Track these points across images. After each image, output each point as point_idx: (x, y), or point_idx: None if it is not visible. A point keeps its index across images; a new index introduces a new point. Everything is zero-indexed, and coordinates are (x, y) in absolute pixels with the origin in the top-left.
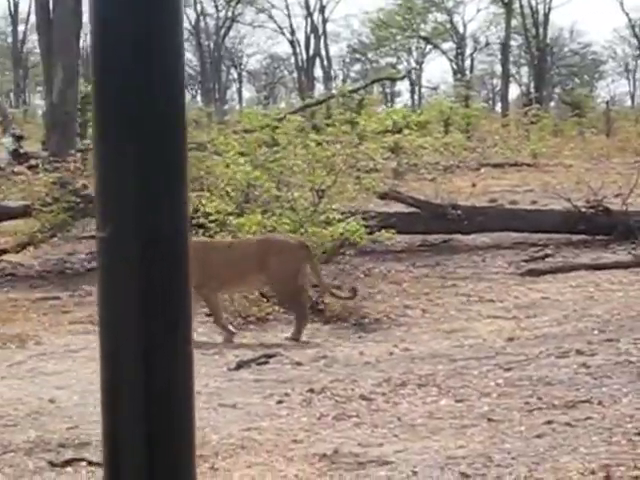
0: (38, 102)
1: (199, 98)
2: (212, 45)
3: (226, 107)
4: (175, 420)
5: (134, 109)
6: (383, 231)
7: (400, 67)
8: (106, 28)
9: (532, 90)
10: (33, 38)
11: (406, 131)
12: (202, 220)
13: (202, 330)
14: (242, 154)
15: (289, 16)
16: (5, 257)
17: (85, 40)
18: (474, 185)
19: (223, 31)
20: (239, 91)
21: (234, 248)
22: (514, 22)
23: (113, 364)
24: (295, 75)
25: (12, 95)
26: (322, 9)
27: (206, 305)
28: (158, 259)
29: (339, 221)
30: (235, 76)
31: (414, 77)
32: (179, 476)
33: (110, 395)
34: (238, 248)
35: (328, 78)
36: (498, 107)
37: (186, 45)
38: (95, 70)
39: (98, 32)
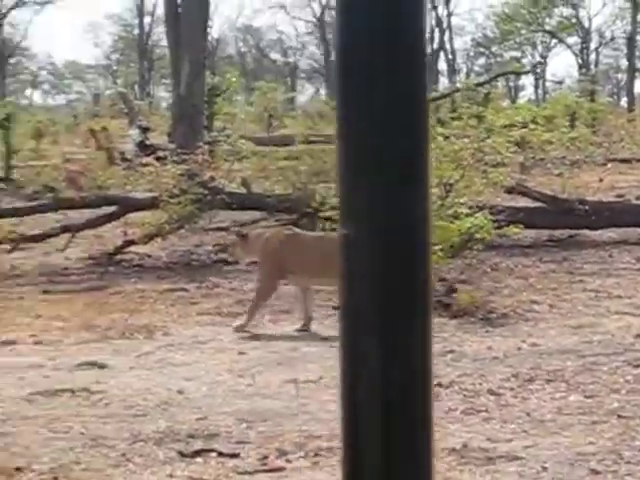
0: (162, 94)
1: (323, 91)
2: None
3: None
4: (413, 408)
5: (378, 103)
6: (511, 226)
7: (524, 61)
8: (349, 20)
9: None
10: (158, 30)
11: (532, 126)
12: (330, 213)
13: (328, 322)
14: None
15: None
16: (133, 248)
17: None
18: (601, 180)
19: None
20: None
21: (321, 242)
22: None
23: (352, 354)
24: None
25: (137, 87)
26: (447, 2)
27: (258, 293)
28: (399, 253)
29: (467, 215)
30: None
31: (539, 71)
32: (417, 461)
33: (349, 383)
34: (326, 242)
35: (452, 72)
36: (623, 102)
37: (310, 38)
38: (339, 66)
39: (343, 27)
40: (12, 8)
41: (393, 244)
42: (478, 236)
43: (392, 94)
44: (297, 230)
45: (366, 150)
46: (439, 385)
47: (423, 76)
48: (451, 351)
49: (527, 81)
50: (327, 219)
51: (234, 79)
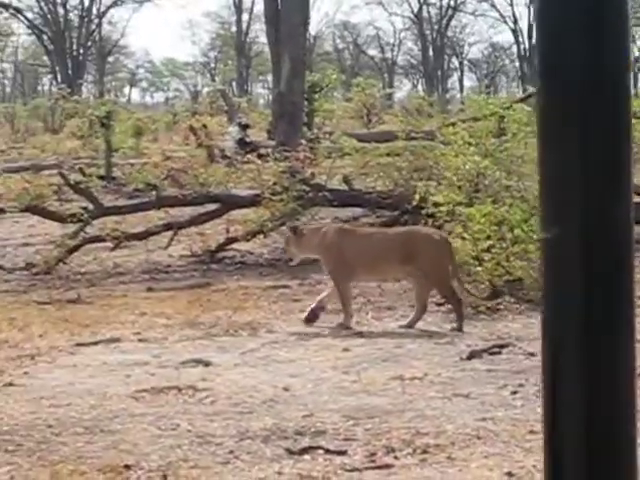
0: (260, 91)
1: (420, 87)
2: (434, 34)
3: (448, 96)
4: (616, 405)
5: (581, 105)
6: None
7: None
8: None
9: None
10: (256, 28)
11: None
12: (431, 210)
13: (431, 319)
14: (469, 143)
15: (512, 4)
16: (235, 245)
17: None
18: None
19: (445, 20)
20: (460, 80)
21: (376, 238)
22: None
23: (555, 351)
24: (517, 64)
25: (235, 84)
26: None
27: (337, 290)
28: (603, 256)
29: None
30: (456, 65)
31: None
32: (620, 458)
33: (551, 380)
34: (381, 238)
35: None
36: None
37: (407, 34)
38: (541, 67)
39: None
40: (111, 6)
41: (598, 245)
42: None
43: (594, 98)
44: (348, 226)
45: (572, 156)
46: None
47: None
48: None
49: None
50: (429, 216)
51: (334, 76)
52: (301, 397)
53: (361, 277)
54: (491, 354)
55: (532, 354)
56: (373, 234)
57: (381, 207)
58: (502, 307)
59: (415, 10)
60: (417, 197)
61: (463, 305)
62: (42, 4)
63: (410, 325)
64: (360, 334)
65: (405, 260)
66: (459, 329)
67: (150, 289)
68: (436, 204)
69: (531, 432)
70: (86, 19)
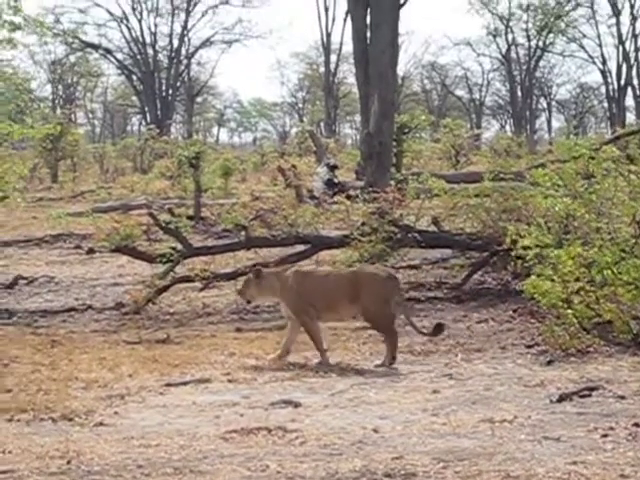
0: (348, 131)
1: (508, 128)
2: (522, 75)
3: (535, 137)
4: None
5: None
6: None
7: None
8: None
9: None
10: (344, 68)
11: None
12: (521, 252)
13: (521, 361)
14: (558, 185)
15: (600, 45)
16: None
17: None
18: None
19: (534, 60)
20: (548, 120)
21: (330, 278)
22: None
23: None
24: (605, 105)
25: (322, 125)
26: (635, 37)
27: (305, 330)
28: None
29: None
30: (544, 105)
31: None
32: None
33: None
34: (333, 279)
35: None
36: None
37: (495, 75)
38: None
39: None
40: (199, 47)
41: None
42: None
43: None
44: (307, 268)
45: None
46: (636, 425)
47: None
48: None
49: None
50: (519, 258)
51: (423, 117)
52: (390, 439)
53: (322, 316)
54: (581, 397)
55: (622, 397)
56: (327, 275)
57: (470, 248)
58: (592, 349)
59: (503, 51)
60: (508, 240)
61: (396, 344)
62: (131, 45)
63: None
64: (450, 376)
65: (354, 299)
66: (388, 365)
67: (239, 330)
68: (525, 246)
69: (622, 476)
70: (175, 60)
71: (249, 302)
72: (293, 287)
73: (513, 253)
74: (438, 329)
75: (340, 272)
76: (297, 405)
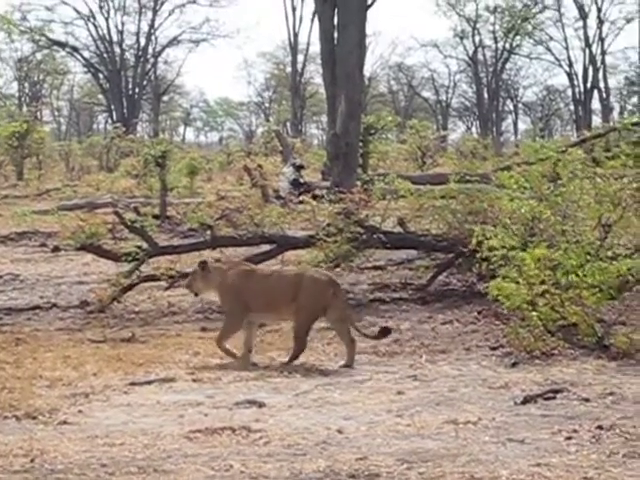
0: (314, 131)
1: (474, 129)
2: (489, 77)
3: (502, 139)
4: None
5: None
6: None
7: None
8: None
9: None
10: (311, 68)
11: None
12: (486, 253)
13: (485, 363)
14: (524, 187)
15: (567, 48)
16: None
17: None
18: None
19: (500, 62)
20: (514, 123)
21: (272, 278)
22: None
23: None
24: (572, 107)
25: (289, 125)
26: (601, 40)
27: (224, 324)
28: None
29: (625, 257)
30: (511, 107)
31: None
32: None
33: None
34: (276, 279)
35: (606, 111)
36: None
37: (462, 76)
38: None
39: None
40: (166, 46)
41: None
42: (637, 277)
43: None
44: (252, 266)
45: None
46: (600, 428)
47: None
48: (611, 393)
49: None
50: (484, 259)
51: (389, 118)
52: (355, 440)
53: (258, 315)
54: (545, 399)
55: (587, 400)
56: (270, 275)
57: (435, 250)
58: (557, 352)
59: (470, 53)
60: (474, 241)
61: (301, 352)
62: (98, 43)
63: (347, 365)
64: (414, 377)
65: (294, 300)
66: (287, 363)
67: (204, 329)
68: (491, 248)
69: (585, 478)
70: (142, 58)
71: (196, 295)
72: (233, 283)
73: (478, 255)
74: (383, 332)
75: (283, 272)
76: (261, 405)
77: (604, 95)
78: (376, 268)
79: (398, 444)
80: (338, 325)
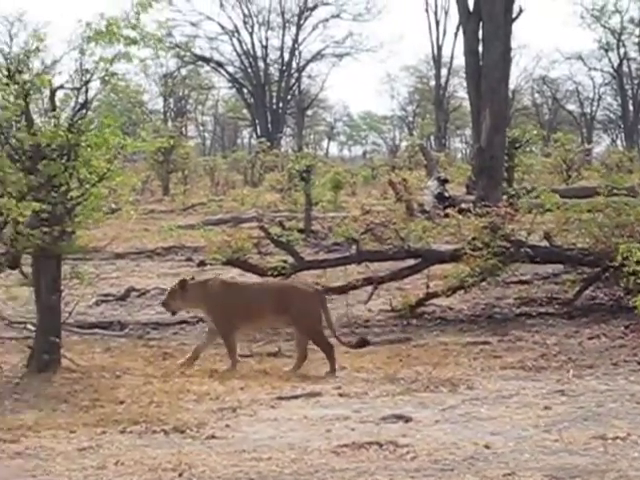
0: (458, 145)
1: (619, 142)
2: (634, 89)
3: None
4: None
5: None
6: None
7: None
8: None
9: None
10: (454, 82)
11: None
12: (634, 267)
13: (634, 378)
14: None
15: None
16: (434, 301)
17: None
18: None
19: None
20: None
21: (254, 290)
22: None
23: None
24: None
25: (433, 138)
26: None
27: (224, 341)
28: None
29: None
30: None
31: None
32: None
33: None
34: (258, 290)
35: None
36: None
37: (607, 89)
38: None
39: None
40: (310, 61)
41: None
42: None
43: None
44: (229, 279)
45: None
46: None
47: None
48: None
49: None
50: (631, 274)
51: (534, 131)
52: (502, 455)
53: (241, 326)
54: None
55: None
56: (251, 286)
57: (582, 264)
58: None
59: (615, 65)
60: (619, 257)
61: (332, 351)
62: (243, 58)
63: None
64: (561, 392)
65: (279, 311)
66: (332, 371)
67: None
68: (639, 262)
69: None
70: (286, 73)
71: (174, 313)
72: (217, 297)
73: (625, 269)
74: (361, 343)
75: (264, 284)
76: (408, 420)
77: None
78: (522, 282)
79: (546, 459)
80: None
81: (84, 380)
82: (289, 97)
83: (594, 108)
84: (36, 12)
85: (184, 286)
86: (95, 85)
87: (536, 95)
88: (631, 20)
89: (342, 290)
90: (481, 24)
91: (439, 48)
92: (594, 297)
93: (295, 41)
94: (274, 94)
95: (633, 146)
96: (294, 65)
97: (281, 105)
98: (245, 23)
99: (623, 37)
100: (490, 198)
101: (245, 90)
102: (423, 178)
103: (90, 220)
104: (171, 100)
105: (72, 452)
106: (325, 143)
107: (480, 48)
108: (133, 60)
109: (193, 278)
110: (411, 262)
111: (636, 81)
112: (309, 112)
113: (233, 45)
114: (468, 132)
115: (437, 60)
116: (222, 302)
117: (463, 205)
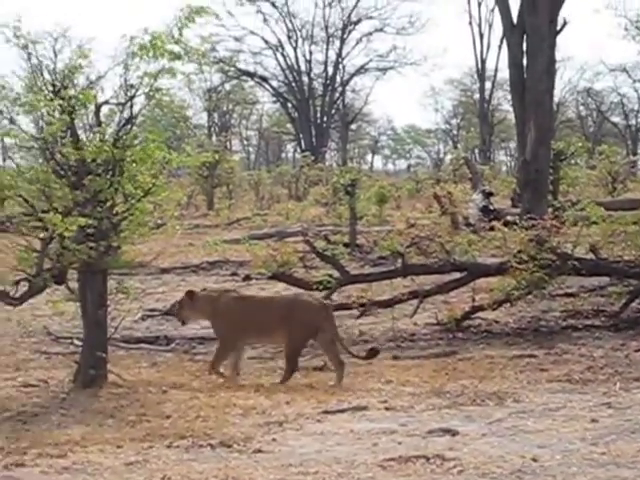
0: (502, 158)
1: None
2: None
3: None
4: None
5: None
6: None
7: None
8: None
9: None
10: (498, 95)
11: None
12: None
13: None
14: None
15: None
16: (480, 314)
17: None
18: None
19: None
20: None
21: (263, 303)
22: None
23: None
24: None
25: (477, 151)
26: None
27: (219, 348)
28: None
29: None
30: None
31: None
32: None
33: None
34: (267, 304)
35: None
36: None
37: None
38: None
39: None
40: (354, 75)
41: None
42: None
43: None
44: (241, 292)
45: None
46: None
47: None
48: None
49: None
50: None
51: (580, 144)
52: (550, 468)
53: (250, 340)
54: None
55: None
56: (261, 300)
57: (628, 276)
58: None
59: None
60: None
61: (292, 373)
62: (287, 72)
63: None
64: (609, 405)
65: (284, 324)
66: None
67: (396, 357)
68: None
69: None
70: (330, 87)
71: (184, 323)
72: (226, 310)
73: None
74: (372, 353)
75: (274, 298)
76: (455, 433)
77: None
78: (568, 295)
79: (593, 472)
80: (328, 347)
81: (130, 395)
82: (333, 111)
83: (639, 120)
84: (80, 28)
85: (192, 297)
86: (140, 100)
87: (581, 107)
88: None
89: (388, 304)
90: (525, 37)
91: (483, 61)
92: None
93: (339, 55)
94: (318, 108)
95: None
96: (338, 79)
97: (325, 119)
98: (289, 37)
99: None
100: (535, 211)
101: (289, 104)
102: (468, 191)
103: (136, 235)
104: (215, 115)
105: (119, 467)
106: (369, 157)
107: (524, 61)
108: (177, 75)
109: (205, 289)
110: (457, 275)
111: None
112: (353, 126)
113: (277, 59)
114: (513, 145)
115: (481, 73)
116: (228, 314)
117: (508, 218)
